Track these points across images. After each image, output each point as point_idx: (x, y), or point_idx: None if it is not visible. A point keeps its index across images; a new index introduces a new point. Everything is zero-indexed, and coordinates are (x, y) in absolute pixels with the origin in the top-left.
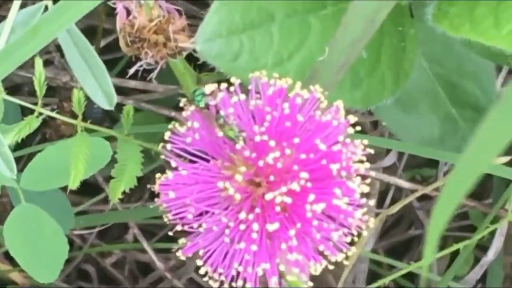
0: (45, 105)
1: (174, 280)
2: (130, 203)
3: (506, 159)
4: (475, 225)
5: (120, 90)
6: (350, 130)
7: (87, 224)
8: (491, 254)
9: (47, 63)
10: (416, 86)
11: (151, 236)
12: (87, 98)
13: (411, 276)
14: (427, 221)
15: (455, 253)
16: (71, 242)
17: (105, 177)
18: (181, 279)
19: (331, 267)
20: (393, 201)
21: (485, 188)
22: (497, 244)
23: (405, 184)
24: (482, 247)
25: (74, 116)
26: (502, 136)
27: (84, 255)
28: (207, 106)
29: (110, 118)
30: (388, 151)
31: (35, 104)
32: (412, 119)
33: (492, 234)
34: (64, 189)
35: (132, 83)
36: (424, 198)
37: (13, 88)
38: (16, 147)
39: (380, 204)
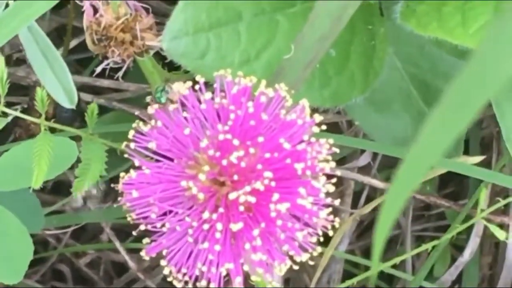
0: (16, 103)
1: (147, 280)
2: (105, 203)
3: (479, 158)
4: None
5: (93, 89)
6: (316, 129)
7: (60, 224)
8: (466, 255)
9: (19, 62)
10: (389, 86)
11: (126, 235)
12: None
13: (388, 277)
14: (404, 221)
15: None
16: (45, 242)
17: None
18: (154, 279)
19: (309, 265)
20: (368, 201)
21: (462, 188)
22: (472, 244)
23: (379, 184)
24: (459, 248)
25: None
26: (451, 128)
27: (59, 255)
28: (169, 102)
29: (81, 118)
30: (363, 151)
31: (8, 103)
32: (385, 119)
33: (468, 234)
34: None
35: (105, 82)
36: None
37: None
38: None
39: (355, 204)
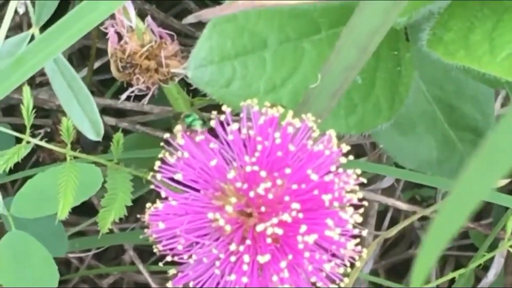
0: (39, 127)
1: None
2: (128, 223)
3: (505, 181)
4: (475, 245)
5: (116, 111)
6: (343, 159)
7: (83, 247)
8: (491, 275)
9: (41, 85)
10: (414, 109)
11: (149, 255)
12: None
13: None
14: None
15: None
16: (68, 264)
17: (100, 199)
18: None
19: None
20: (392, 221)
21: (485, 206)
22: (497, 265)
23: (403, 205)
24: (483, 266)
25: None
26: (502, 161)
27: (81, 276)
28: (203, 131)
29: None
30: None
31: (32, 126)
32: (410, 142)
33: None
34: None
35: (128, 105)
36: (425, 217)
37: (7, 108)
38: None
39: (379, 224)
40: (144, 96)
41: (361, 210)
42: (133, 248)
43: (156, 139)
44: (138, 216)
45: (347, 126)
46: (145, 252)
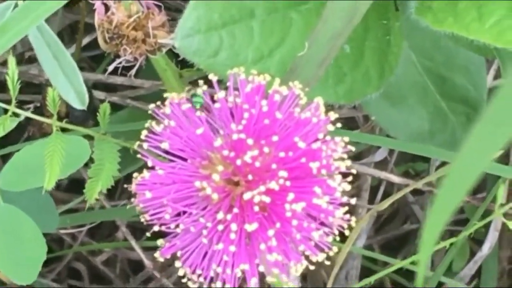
0: (28, 102)
1: (163, 278)
2: (120, 200)
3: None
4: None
5: (106, 86)
6: (331, 127)
7: (74, 223)
8: (485, 249)
9: (31, 60)
10: (405, 80)
11: (142, 232)
12: None
13: (407, 272)
14: (422, 215)
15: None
16: (61, 241)
17: None
18: (170, 277)
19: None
20: (385, 196)
21: (480, 182)
22: (491, 239)
23: (396, 179)
24: (478, 242)
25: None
26: (500, 134)
27: (75, 254)
28: (202, 108)
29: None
30: (379, 146)
31: (21, 102)
32: (401, 113)
33: (487, 229)
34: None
35: (119, 80)
36: (419, 192)
37: None
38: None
39: (372, 198)
40: (132, 68)
41: (350, 179)
42: (125, 225)
43: (146, 114)
44: (125, 186)
45: (336, 95)
46: (137, 230)
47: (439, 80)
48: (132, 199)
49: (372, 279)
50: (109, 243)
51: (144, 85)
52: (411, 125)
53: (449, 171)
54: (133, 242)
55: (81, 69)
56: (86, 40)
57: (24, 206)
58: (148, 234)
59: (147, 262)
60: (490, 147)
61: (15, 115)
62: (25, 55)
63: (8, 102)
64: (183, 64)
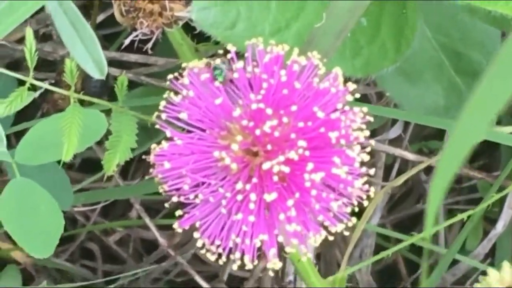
0: (43, 79)
1: (177, 257)
2: (134, 180)
3: (510, 128)
4: (484, 198)
5: (120, 64)
6: (349, 98)
7: (88, 201)
8: (499, 227)
9: (46, 38)
10: (420, 56)
11: (155, 213)
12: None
13: (420, 250)
14: None
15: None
16: (74, 220)
17: None
18: (185, 255)
19: (340, 240)
20: (400, 174)
21: (494, 159)
22: (505, 216)
23: (410, 156)
24: (492, 220)
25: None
26: (498, 97)
27: (88, 233)
28: (225, 81)
29: (109, 93)
30: (393, 123)
31: (36, 79)
32: (416, 89)
33: (501, 207)
34: (63, 165)
35: (133, 57)
36: (432, 171)
37: (12, 63)
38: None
39: (386, 177)
40: (147, 43)
41: (368, 149)
42: (139, 204)
43: (161, 91)
44: (144, 157)
45: (353, 67)
46: (151, 209)
47: (454, 56)
48: (151, 170)
49: (385, 254)
50: (122, 222)
51: (158, 62)
52: (426, 101)
53: (451, 134)
54: (147, 220)
55: None
56: (100, 18)
57: (39, 183)
58: (166, 205)
59: (161, 240)
60: (489, 110)
61: (32, 88)
62: (39, 32)
63: (22, 81)
64: (198, 38)
